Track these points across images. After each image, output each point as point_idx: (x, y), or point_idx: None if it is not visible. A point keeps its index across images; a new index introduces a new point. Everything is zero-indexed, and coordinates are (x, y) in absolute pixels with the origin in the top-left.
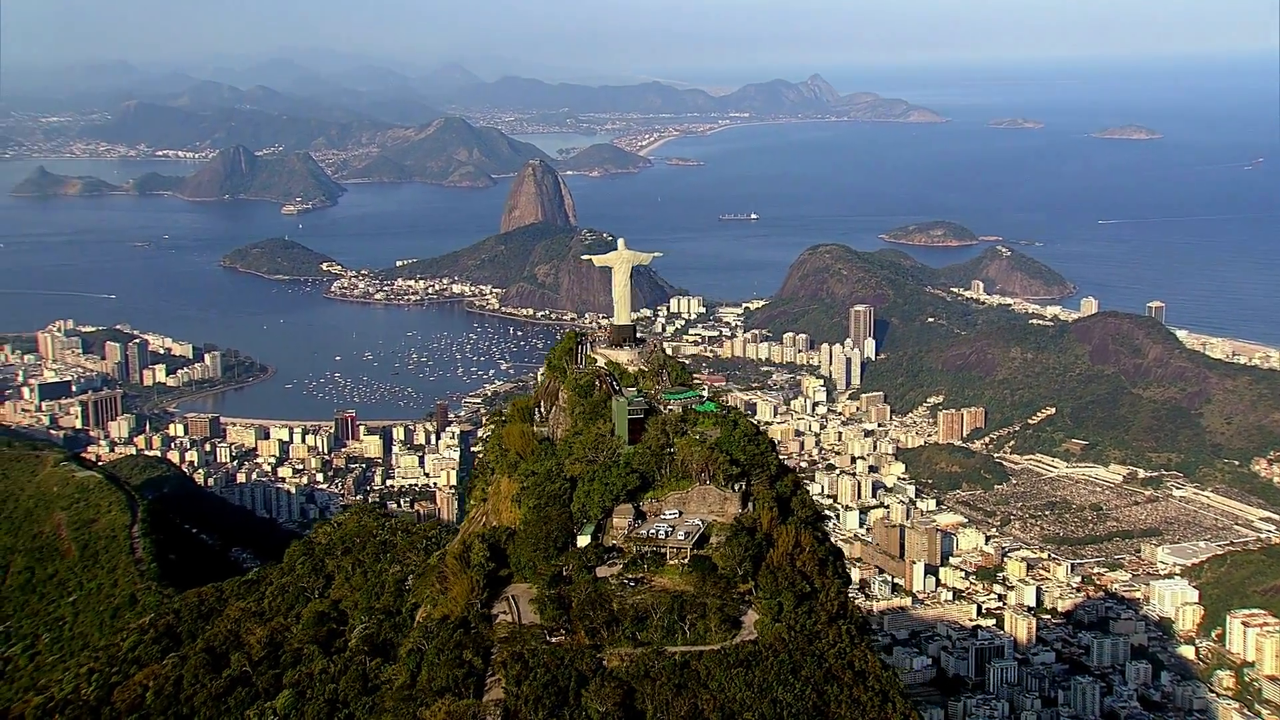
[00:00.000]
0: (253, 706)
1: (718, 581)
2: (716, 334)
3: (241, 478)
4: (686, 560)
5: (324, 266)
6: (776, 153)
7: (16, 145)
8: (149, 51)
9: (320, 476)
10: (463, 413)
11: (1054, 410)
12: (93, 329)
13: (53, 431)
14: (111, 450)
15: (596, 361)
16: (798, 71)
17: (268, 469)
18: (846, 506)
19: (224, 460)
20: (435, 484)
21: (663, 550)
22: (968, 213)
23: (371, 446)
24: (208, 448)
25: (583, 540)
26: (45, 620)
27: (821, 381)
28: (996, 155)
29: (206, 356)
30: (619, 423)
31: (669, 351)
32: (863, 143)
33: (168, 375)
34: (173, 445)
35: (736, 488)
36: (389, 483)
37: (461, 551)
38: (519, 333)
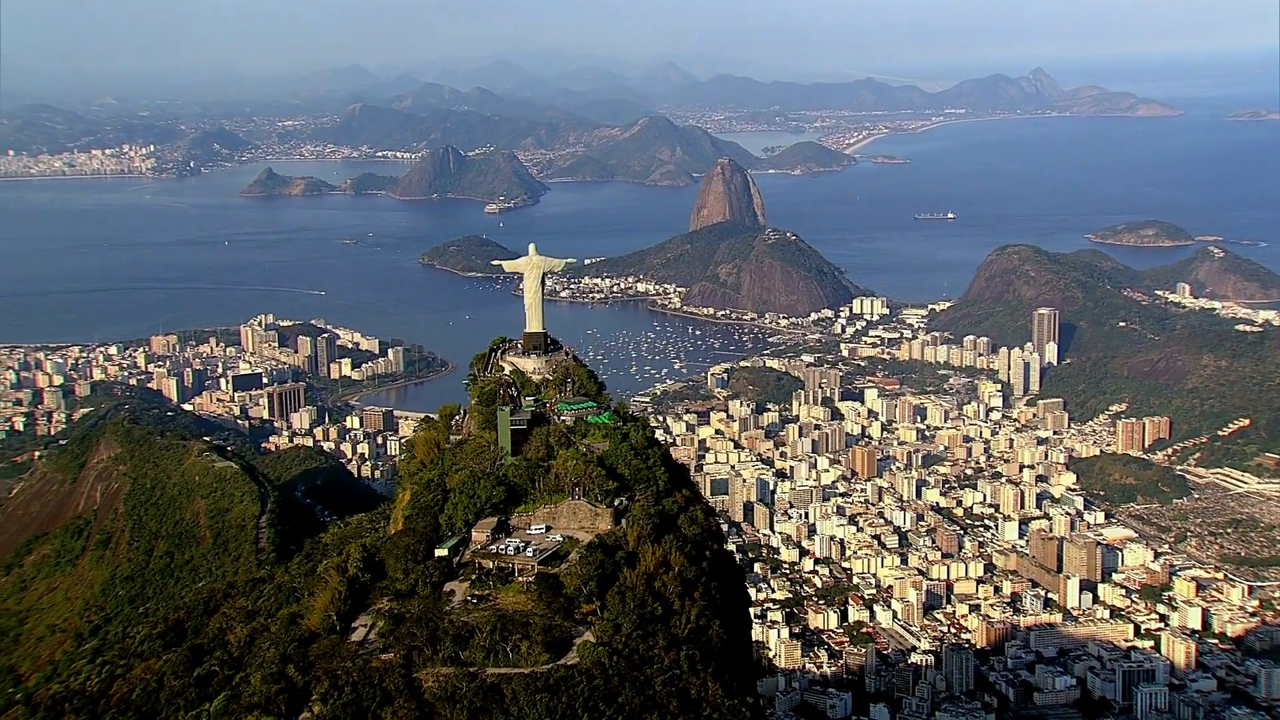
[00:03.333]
0: (201, 706)
1: (557, 601)
2: (897, 336)
3: None
4: (532, 579)
5: None
6: (988, 150)
7: (253, 148)
8: (384, 56)
9: None
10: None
11: (1248, 422)
12: (290, 323)
13: (241, 421)
14: (290, 440)
15: (504, 369)
16: (1019, 66)
17: None
18: (1006, 517)
19: (393, 453)
20: None
21: (510, 568)
22: (1186, 211)
23: None
24: (380, 440)
25: (440, 553)
26: (175, 606)
27: (998, 386)
28: (1231, 150)
29: (390, 351)
30: (502, 433)
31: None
32: (1082, 138)
33: (353, 369)
34: (347, 437)
35: (618, 503)
36: None
37: (340, 561)
38: (697, 332)
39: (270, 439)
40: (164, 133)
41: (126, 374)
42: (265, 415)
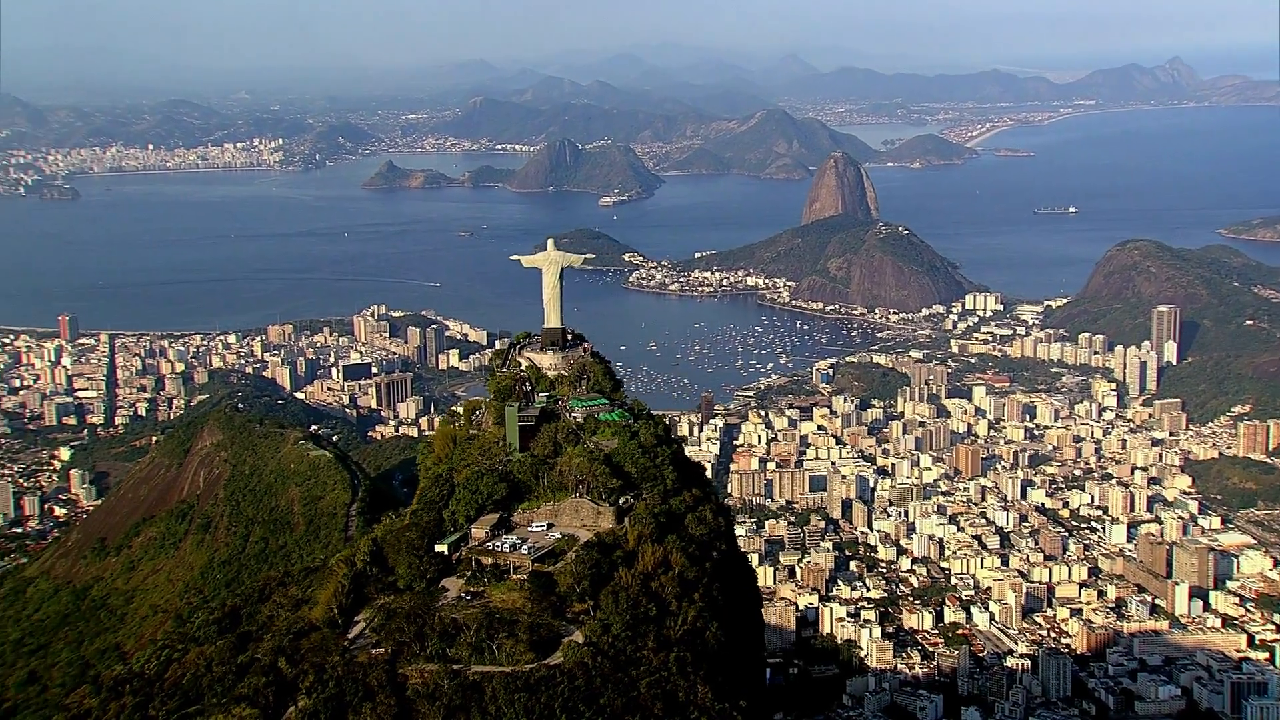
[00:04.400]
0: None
1: (549, 600)
2: (1009, 333)
3: None
4: (525, 576)
5: (625, 257)
6: (1116, 142)
7: (376, 141)
8: (508, 50)
9: None
10: (731, 405)
11: None
12: (401, 314)
13: (349, 410)
14: (396, 430)
15: (521, 365)
16: (1155, 55)
17: None
18: (1115, 519)
19: None
20: None
21: (504, 565)
22: None
23: None
24: None
25: (440, 548)
26: (234, 592)
27: (1113, 386)
28: None
29: (497, 342)
30: (510, 429)
31: (598, 358)
32: (1219, 129)
33: (460, 360)
34: None
35: (623, 501)
36: None
37: (350, 554)
38: (805, 326)
39: (376, 428)
40: (292, 126)
41: (243, 362)
42: (373, 405)
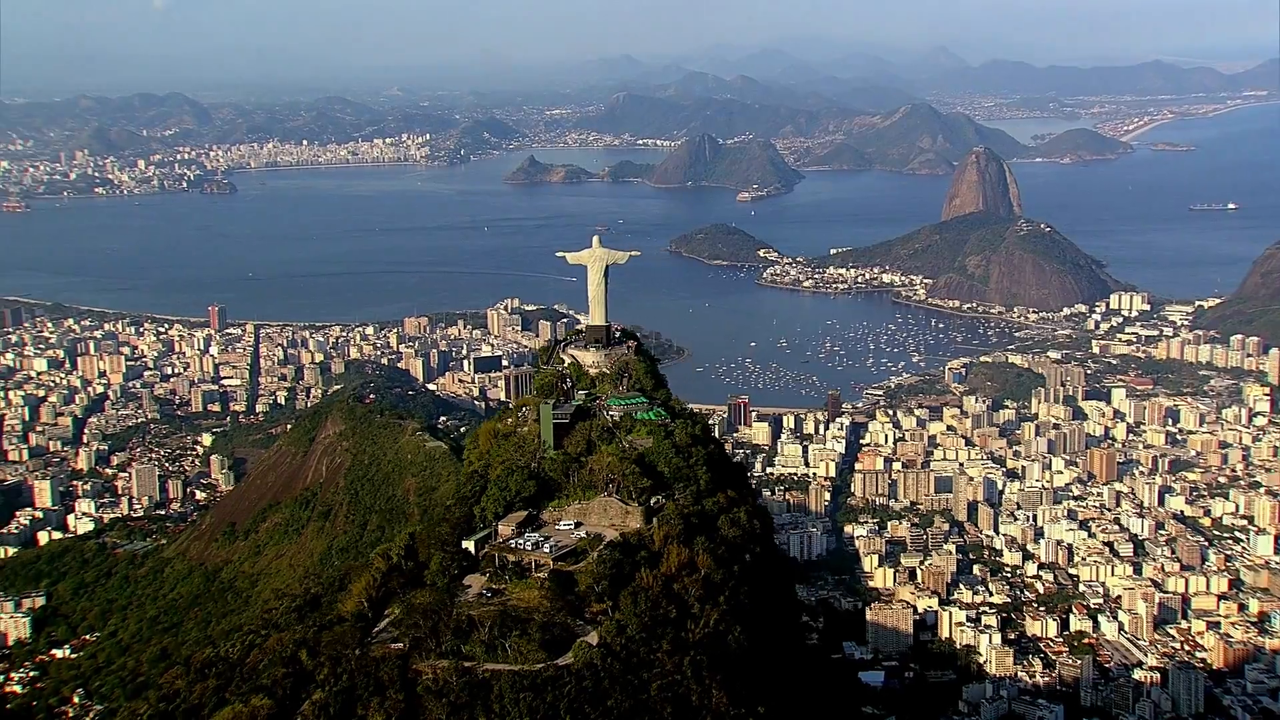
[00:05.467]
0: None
1: (567, 599)
2: (1156, 333)
3: None
4: (545, 575)
5: (760, 253)
6: None
7: (521, 136)
8: (655, 45)
9: None
10: (860, 404)
11: None
12: (534, 307)
13: (478, 402)
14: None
15: (565, 362)
16: None
17: None
18: (1261, 530)
19: None
20: (814, 474)
21: (526, 563)
22: None
23: (760, 433)
24: None
25: (468, 545)
26: (315, 581)
27: (1267, 390)
28: None
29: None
30: (544, 426)
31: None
32: None
33: None
34: None
35: (654, 501)
36: (769, 470)
37: (387, 548)
38: (940, 325)
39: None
40: (440, 122)
41: (379, 353)
42: (501, 397)
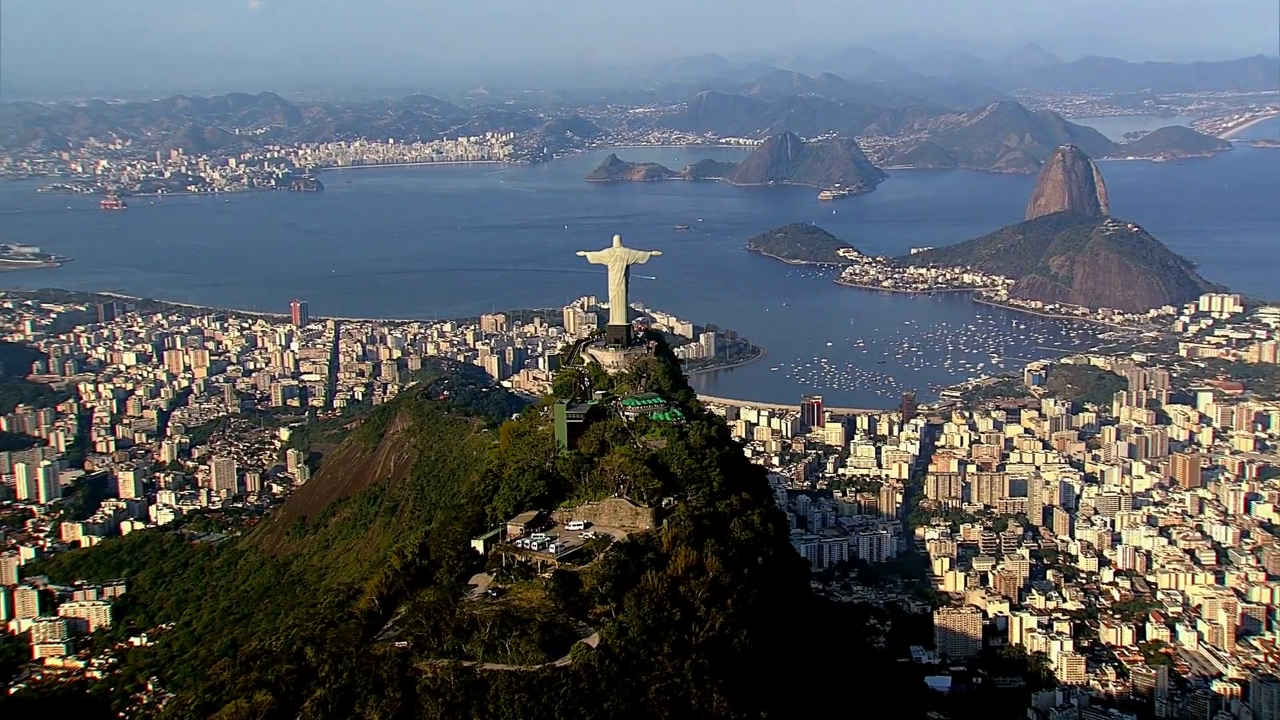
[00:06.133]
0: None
1: (571, 600)
2: (1248, 336)
3: None
4: (550, 575)
5: (840, 252)
6: None
7: (604, 135)
8: (740, 44)
9: (776, 460)
10: (936, 405)
11: None
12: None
13: None
14: None
15: (584, 361)
16: None
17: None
18: None
19: None
20: (886, 476)
21: (532, 563)
22: None
23: (833, 434)
24: None
25: (477, 544)
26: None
27: None
28: None
29: (702, 336)
30: (558, 426)
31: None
32: None
33: None
34: None
35: (665, 503)
36: (841, 471)
37: (402, 547)
38: (1021, 326)
39: None
40: (524, 121)
41: (456, 350)
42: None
